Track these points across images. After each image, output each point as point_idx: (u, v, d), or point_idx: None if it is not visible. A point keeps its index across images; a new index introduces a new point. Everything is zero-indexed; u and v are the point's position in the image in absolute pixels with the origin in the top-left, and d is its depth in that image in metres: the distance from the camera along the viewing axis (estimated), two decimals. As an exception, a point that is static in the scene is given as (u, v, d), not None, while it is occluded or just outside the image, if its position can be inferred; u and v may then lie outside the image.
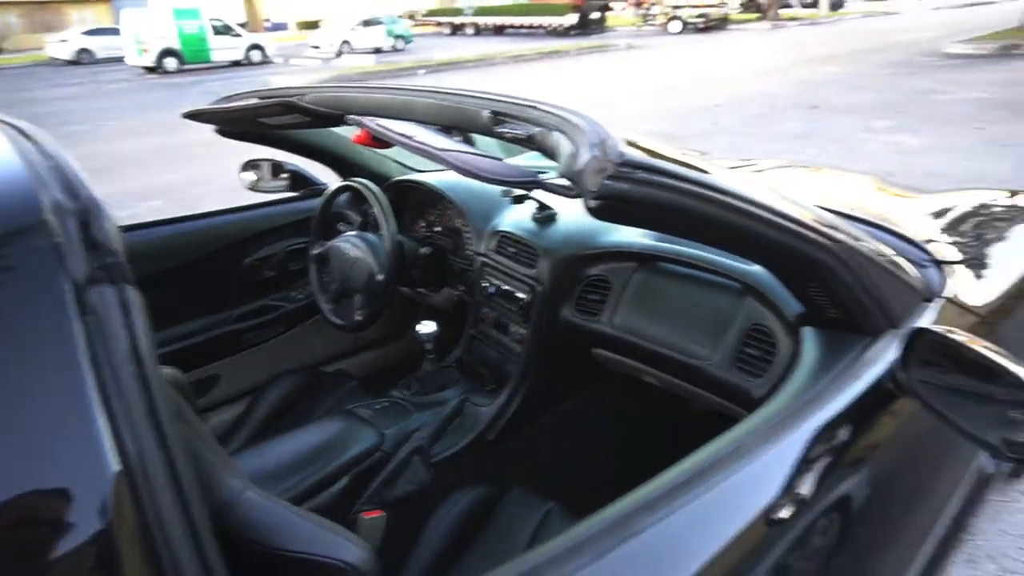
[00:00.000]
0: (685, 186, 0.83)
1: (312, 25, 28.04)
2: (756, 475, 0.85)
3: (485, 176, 0.94)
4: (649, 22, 27.67)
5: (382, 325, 2.01)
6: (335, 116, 1.22)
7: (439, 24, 30.07)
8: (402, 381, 1.75)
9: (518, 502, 1.34)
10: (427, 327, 1.66)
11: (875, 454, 1.05)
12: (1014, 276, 1.50)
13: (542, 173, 1.02)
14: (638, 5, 30.54)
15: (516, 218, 1.71)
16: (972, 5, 31.40)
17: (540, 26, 25.16)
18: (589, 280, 1.57)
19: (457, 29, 28.60)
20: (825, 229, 1.01)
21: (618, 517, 0.73)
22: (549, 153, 0.84)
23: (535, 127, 0.86)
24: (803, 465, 0.88)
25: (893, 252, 1.28)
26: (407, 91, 1.09)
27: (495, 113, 0.91)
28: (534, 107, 0.87)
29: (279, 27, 33.69)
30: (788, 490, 0.85)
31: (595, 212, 0.79)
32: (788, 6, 29.58)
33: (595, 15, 25.03)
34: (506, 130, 0.89)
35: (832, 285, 1.06)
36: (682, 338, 1.40)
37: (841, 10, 32.09)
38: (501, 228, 1.73)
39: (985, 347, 0.87)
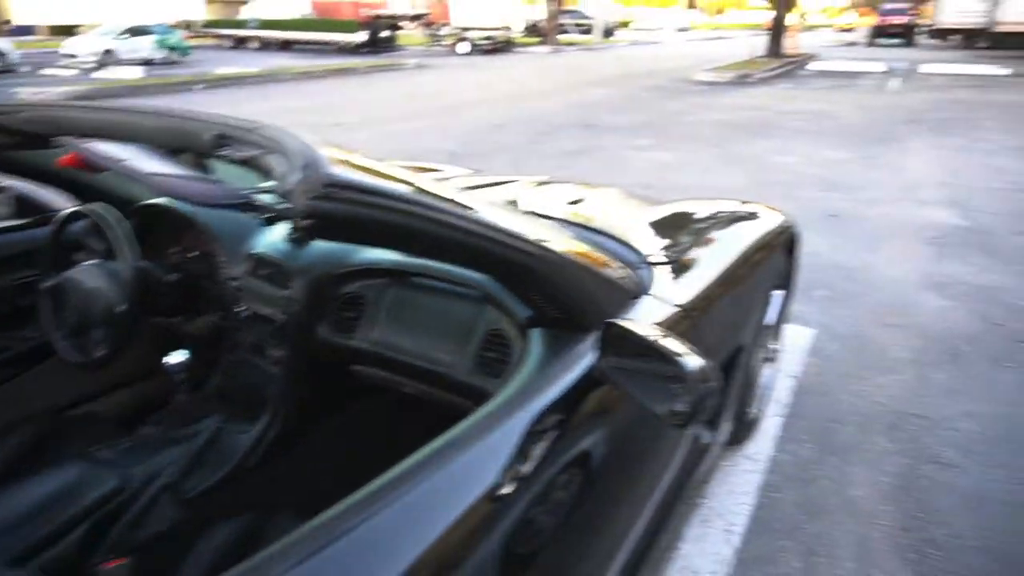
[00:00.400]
0: (391, 204, 0.90)
1: (67, 31, 25.02)
2: (476, 461, 0.95)
3: (193, 199, 0.94)
4: (438, 42, 28.27)
5: (135, 360, 1.88)
6: (41, 137, 1.14)
7: (219, 37, 28.34)
8: (153, 417, 1.65)
9: (283, 529, 1.33)
10: (176, 357, 1.59)
11: (595, 431, 1.19)
12: (714, 274, 1.77)
13: (263, 194, 1.04)
14: (428, 25, 31.10)
15: (269, 240, 1.70)
16: (718, 39, 35.97)
17: (329, 43, 24.68)
18: (344, 298, 1.60)
19: (240, 43, 27.16)
20: (535, 239, 1.13)
21: (332, 518, 0.78)
22: (267, 174, 0.87)
23: (255, 149, 0.88)
24: (523, 447, 0.99)
25: (607, 255, 1.46)
26: (129, 112, 1.06)
27: (219, 136, 0.92)
28: (255, 129, 0.90)
29: (24, 31, 29.67)
30: (509, 469, 0.95)
31: (309, 231, 0.83)
32: (566, 32, 31.79)
33: (385, 33, 25.10)
34: (229, 152, 0.91)
35: (546, 289, 1.19)
36: (432, 348, 1.48)
37: (612, 37, 35.14)
38: (254, 251, 1.70)
39: (653, 333, 1.04)
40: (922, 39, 29.31)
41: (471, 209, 1.03)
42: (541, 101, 11.95)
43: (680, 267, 1.71)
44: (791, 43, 20.28)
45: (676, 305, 1.51)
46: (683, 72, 16.49)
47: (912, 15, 30.91)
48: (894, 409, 2.65)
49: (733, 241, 1.99)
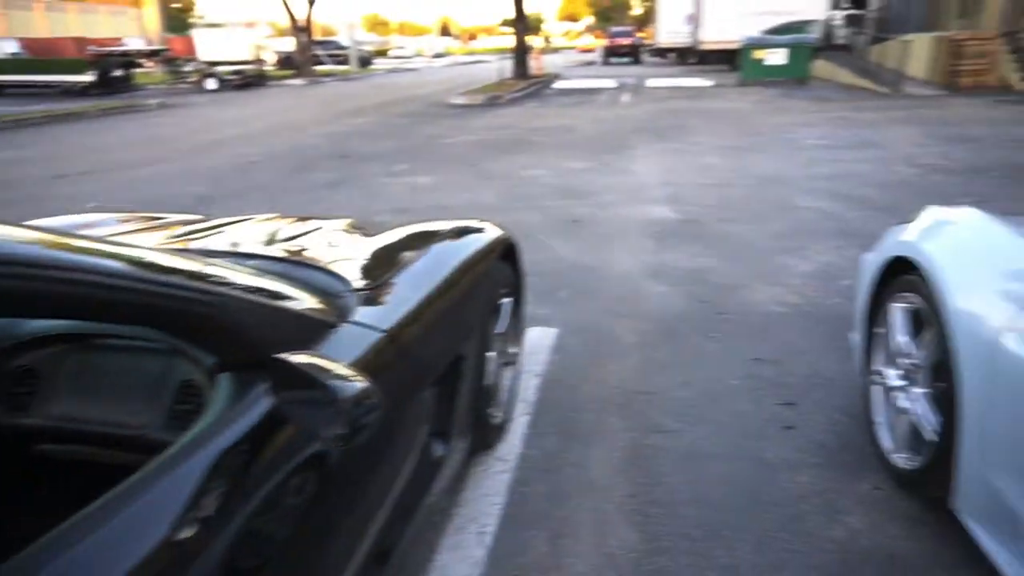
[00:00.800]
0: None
1: None
2: (146, 512, 0.93)
3: None
4: (183, 79, 26.37)
5: None
6: None
7: (-99, 85, 23.99)
8: None
9: None
10: None
11: (289, 464, 1.17)
12: (423, 294, 1.85)
13: None
14: (169, 61, 28.91)
15: (-91, 322, 1.48)
16: (472, 63, 37.68)
17: (51, 84, 21.97)
18: (14, 374, 1.45)
19: (-71, 90, 23.22)
20: (200, 283, 1.11)
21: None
22: None
23: None
24: (203, 490, 0.97)
25: (302, 288, 1.46)
26: None
27: None
28: None
29: None
30: (187, 514, 0.94)
31: None
32: (322, 63, 31.34)
33: (119, 72, 22.92)
34: None
35: (221, 332, 1.17)
36: (123, 411, 1.39)
37: (370, 66, 35.32)
38: None
39: (312, 362, 1.07)
40: (647, 57, 33.18)
41: (128, 261, 0.99)
42: (296, 134, 11.67)
43: (388, 291, 1.77)
44: (537, 64, 21.88)
45: (381, 330, 1.56)
46: (438, 97, 17.05)
47: (636, 37, 35.04)
48: (625, 390, 2.96)
49: (443, 260, 2.09)
